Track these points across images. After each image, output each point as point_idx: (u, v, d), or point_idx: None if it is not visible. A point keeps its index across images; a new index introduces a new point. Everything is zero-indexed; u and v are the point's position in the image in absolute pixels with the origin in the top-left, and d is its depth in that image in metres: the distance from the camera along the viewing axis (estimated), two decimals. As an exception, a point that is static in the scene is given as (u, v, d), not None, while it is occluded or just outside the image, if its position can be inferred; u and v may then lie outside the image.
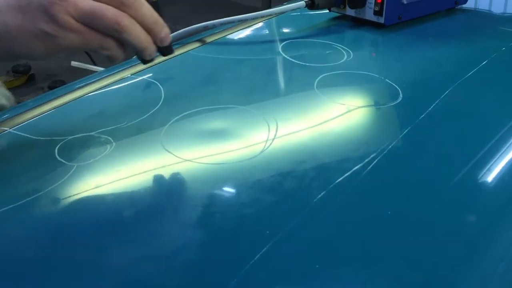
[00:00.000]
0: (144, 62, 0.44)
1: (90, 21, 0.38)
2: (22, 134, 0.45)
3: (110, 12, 0.38)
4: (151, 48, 0.42)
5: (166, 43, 0.42)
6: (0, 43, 0.39)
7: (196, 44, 0.67)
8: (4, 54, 0.40)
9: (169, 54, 0.45)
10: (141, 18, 0.40)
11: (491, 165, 0.42)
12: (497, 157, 0.43)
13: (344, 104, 0.51)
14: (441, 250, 0.33)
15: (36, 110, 0.50)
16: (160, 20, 0.41)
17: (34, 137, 0.45)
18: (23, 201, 0.37)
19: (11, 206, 0.37)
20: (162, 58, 0.57)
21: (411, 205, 0.37)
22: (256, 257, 0.32)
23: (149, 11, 0.40)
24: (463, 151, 0.44)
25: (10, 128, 0.47)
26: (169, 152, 0.43)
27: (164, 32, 0.42)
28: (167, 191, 0.39)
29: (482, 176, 0.41)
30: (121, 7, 0.39)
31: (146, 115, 0.49)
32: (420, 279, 0.31)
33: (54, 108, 0.50)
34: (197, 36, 0.70)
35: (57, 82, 2.04)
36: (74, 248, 0.33)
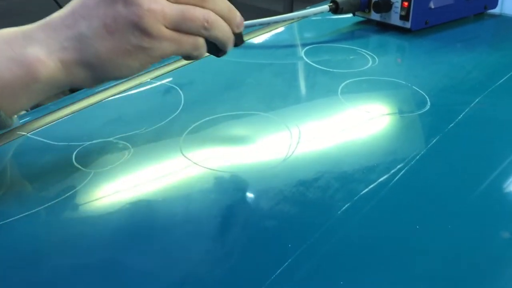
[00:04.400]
0: (220, 54, 0.42)
1: (180, 26, 0.37)
2: (40, 139, 0.45)
3: (197, 11, 0.38)
4: (232, 38, 0.41)
5: (242, 28, 0.42)
6: (94, 70, 0.37)
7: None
8: (96, 80, 0.38)
9: (241, 43, 0.43)
10: (219, 9, 0.39)
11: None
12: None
13: (369, 112, 0.50)
14: (472, 267, 0.32)
15: (54, 115, 0.49)
16: (232, 6, 0.41)
17: (52, 142, 0.44)
18: (39, 208, 0.36)
19: (27, 213, 0.36)
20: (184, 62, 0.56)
21: (441, 218, 0.36)
22: (278, 271, 0.31)
23: (223, 2, 0.40)
24: (493, 162, 0.42)
25: (28, 133, 0.46)
26: (188, 159, 0.42)
27: (239, 17, 0.41)
28: (186, 200, 0.38)
29: (513, 188, 0.39)
30: (201, 3, 0.38)
31: (165, 121, 0.48)
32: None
33: (72, 113, 0.50)
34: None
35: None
36: (89, 256, 0.32)
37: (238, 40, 0.43)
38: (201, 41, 0.39)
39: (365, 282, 0.31)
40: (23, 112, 0.50)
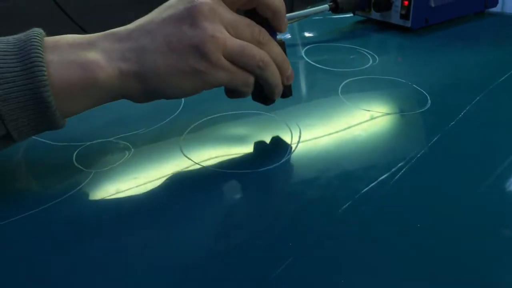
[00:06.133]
0: (268, 102, 0.44)
1: (238, 59, 0.38)
2: (40, 139, 0.45)
3: (255, 50, 0.39)
4: (281, 85, 0.42)
5: (291, 81, 0.43)
6: (148, 84, 0.37)
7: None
8: (150, 94, 0.38)
9: (289, 95, 0.45)
10: (274, 55, 0.40)
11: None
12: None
13: (369, 111, 0.50)
14: (473, 265, 0.32)
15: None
16: (287, 58, 0.42)
17: (52, 143, 0.44)
18: (40, 208, 0.36)
19: (28, 213, 0.36)
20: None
21: (442, 217, 0.35)
22: (278, 270, 0.31)
23: (279, 50, 0.41)
24: (494, 161, 0.42)
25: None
26: (188, 158, 0.42)
27: (291, 70, 0.43)
28: (186, 199, 0.38)
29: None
30: (259, 45, 0.39)
31: (166, 121, 0.48)
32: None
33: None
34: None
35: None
36: (90, 256, 0.32)
37: (287, 91, 0.44)
38: (252, 79, 0.40)
39: (366, 281, 0.30)
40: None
